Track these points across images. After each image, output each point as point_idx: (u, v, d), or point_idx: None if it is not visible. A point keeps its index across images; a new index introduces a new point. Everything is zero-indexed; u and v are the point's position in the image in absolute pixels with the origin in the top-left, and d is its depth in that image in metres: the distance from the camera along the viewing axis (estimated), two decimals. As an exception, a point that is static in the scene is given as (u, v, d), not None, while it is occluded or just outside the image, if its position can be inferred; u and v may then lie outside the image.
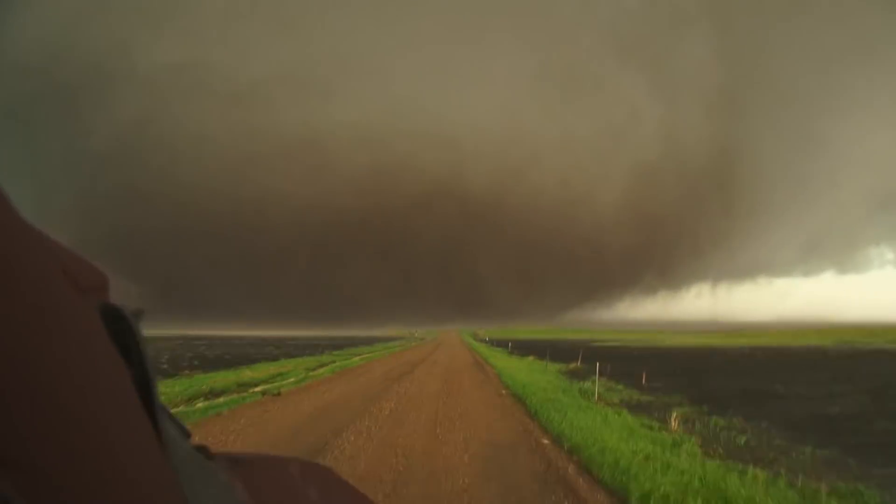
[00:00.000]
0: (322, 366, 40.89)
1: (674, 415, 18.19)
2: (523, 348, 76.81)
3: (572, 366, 42.01)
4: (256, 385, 26.49)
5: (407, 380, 29.56)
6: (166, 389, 23.33)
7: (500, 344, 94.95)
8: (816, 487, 10.39)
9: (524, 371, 36.04)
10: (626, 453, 11.50)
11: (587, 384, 26.52)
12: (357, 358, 53.99)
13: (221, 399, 21.58)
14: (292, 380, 29.56)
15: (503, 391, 24.39)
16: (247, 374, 32.58)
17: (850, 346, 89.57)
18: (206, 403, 20.13)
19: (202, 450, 1.02)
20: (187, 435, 0.96)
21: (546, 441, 13.40)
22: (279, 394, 23.19)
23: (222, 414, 17.69)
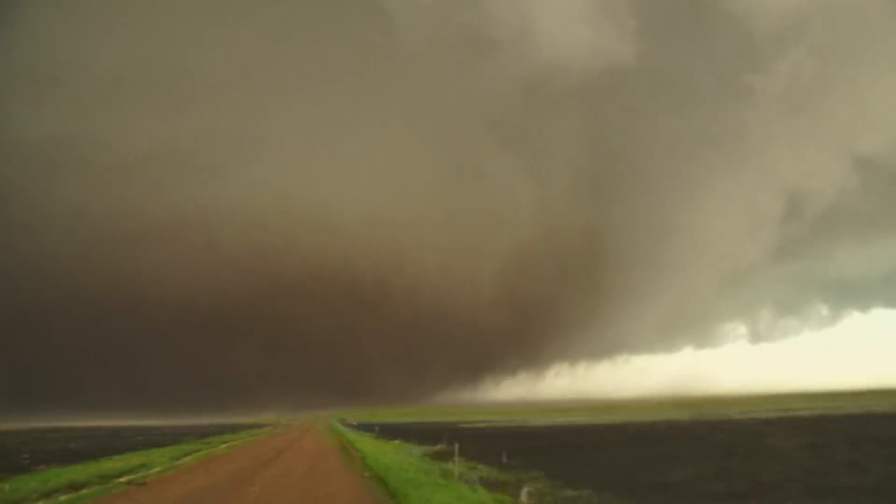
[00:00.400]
0: (187, 454, 40.43)
1: (525, 489, 19.62)
2: (392, 432, 77.35)
3: (437, 447, 43.07)
4: (119, 476, 26.31)
5: (274, 465, 29.98)
6: (19, 486, 23.03)
7: (368, 428, 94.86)
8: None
9: (389, 454, 36.90)
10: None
11: (449, 465, 27.64)
12: (224, 445, 53.29)
13: (84, 491, 21.54)
14: (157, 469, 29.43)
15: (366, 473, 25.27)
16: (108, 465, 32.07)
17: (703, 418, 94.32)
18: (68, 496, 20.14)
19: None
20: None
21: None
22: (144, 483, 23.31)
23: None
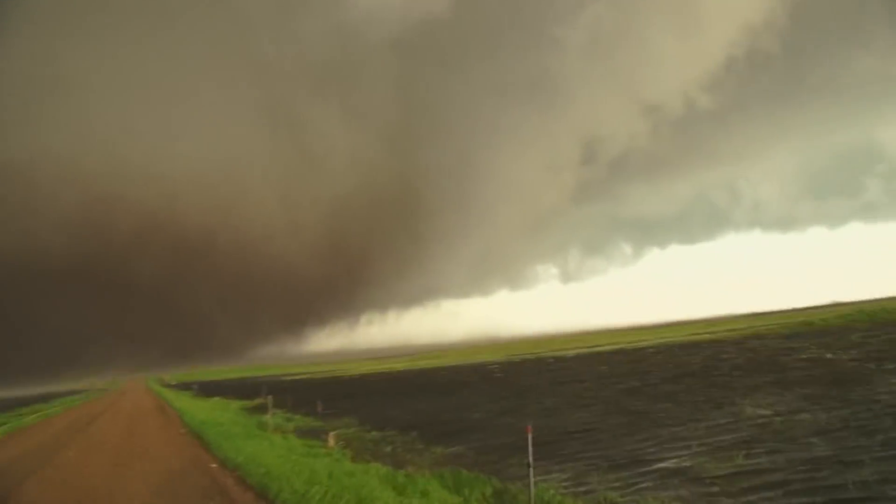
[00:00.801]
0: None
1: (332, 433, 21.24)
2: (211, 389, 76.93)
3: (256, 401, 43.93)
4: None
5: (89, 430, 30.11)
6: None
7: (187, 387, 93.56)
8: (420, 472, 13.89)
9: (206, 410, 37.56)
10: (279, 466, 14.29)
11: (266, 417, 28.81)
12: (33, 416, 51.65)
13: None
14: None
15: (182, 430, 26.15)
16: None
17: (516, 359, 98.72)
18: None
19: None
20: None
21: (214, 465, 15.84)
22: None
23: None
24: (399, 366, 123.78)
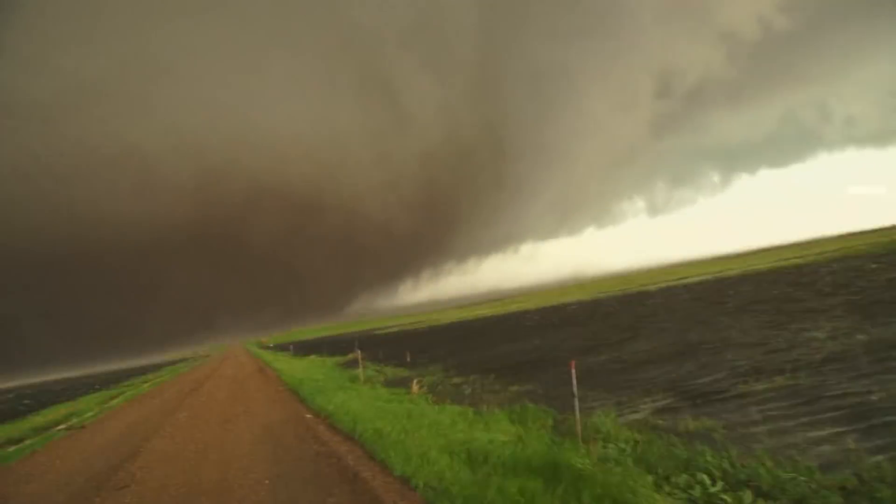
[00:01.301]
0: (114, 398, 42.78)
1: (415, 381, 23.05)
2: (307, 348, 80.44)
3: (350, 356, 46.31)
4: (56, 426, 28.67)
5: (196, 394, 32.88)
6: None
7: (284, 348, 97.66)
8: (491, 409, 15.50)
9: (302, 369, 40.09)
10: (364, 411, 16.14)
11: (358, 370, 30.87)
12: (146, 385, 55.61)
13: (28, 442, 23.99)
14: (90, 414, 31.92)
15: (281, 388, 28.49)
16: (38, 420, 34.13)
17: (602, 297, 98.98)
18: (16, 448, 22.56)
19: None
20: None
21: (309, 416, 17.86)
22: (83, 427, 25.93)
23: (37, 451, 20.51)
24: (487, 311, 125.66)
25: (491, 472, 8.68)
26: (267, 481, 10.44)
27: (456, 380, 25.14)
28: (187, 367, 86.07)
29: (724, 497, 7.23)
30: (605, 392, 16.79)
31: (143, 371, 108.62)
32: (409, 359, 37.04)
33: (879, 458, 8.28)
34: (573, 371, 11.18)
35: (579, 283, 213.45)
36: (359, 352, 33.63)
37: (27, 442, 23.86)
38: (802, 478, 7.63)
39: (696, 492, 7.50)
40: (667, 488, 7.77)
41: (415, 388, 22.09)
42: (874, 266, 46.28)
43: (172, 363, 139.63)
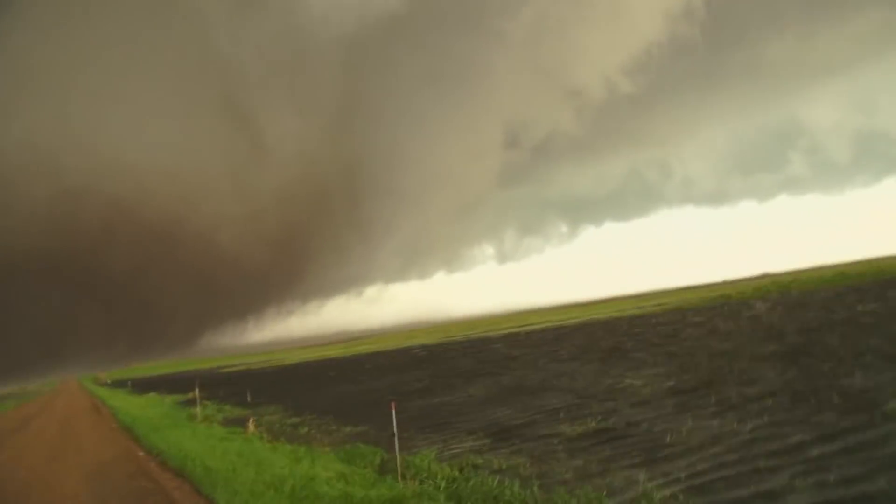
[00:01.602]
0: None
1: (251, 420, 23.32)
2: (147, 385, 77.93)
3: (190, 395, 45.49)
4: None
5: (22, 433, 31.59)
6: None
7: (122, 385, 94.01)
8: (322, 448, 16.16)
9: (139, 406, 39.22)
10: (197, 450, 16.43)
11: (197, 409, 30.64)
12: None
13: None
14: None
15: (114, 425, 27.95)
16: None
17: (446, 341, 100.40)
18: None
19: None
20: None
21: (142, 454, 17.93)
22: None
23: None
24: (334, 352, 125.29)
25: (309, 504, 9.40)
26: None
27: (293, 420, 25.52)
28: (12, 405, 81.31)
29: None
30: (434, 432, 17.81)
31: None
32: (249, 398, 36.98)
33: (665, 490, 9.58)
34: (393, 412, 12.03)
35: (427, 327, 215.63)
36: (197, 390, 33.36)
37: None
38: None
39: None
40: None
41: (251, 427, 22.37)
42: (697, 319, 49.92)
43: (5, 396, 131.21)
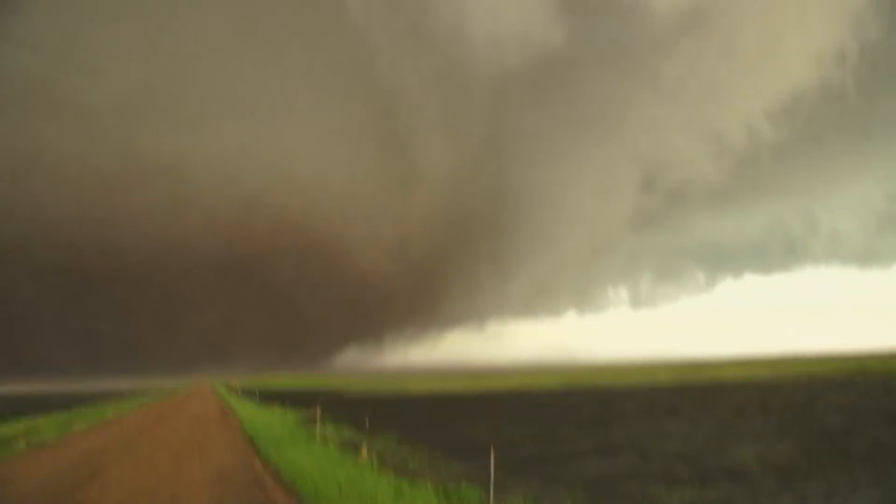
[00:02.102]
0: (75, 420, 43.70)
1: (364, 446, 24.38)
2: (273, 397, 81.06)
3: (312, 411, 47.33)
4: (11, 440, 29.69)
5: (158, 428, 34.08)
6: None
7: (251, 394, 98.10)
8: (423, 484, 16.91)
9: (263, 419, 41.18)
10: (310, 469, 17.54)
11: (317, 428, 32.06)
12: (110, 412, 56.43)
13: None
14: (52, 433, 32.99)
15: (239, 435, 29.71)
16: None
17: (571, 387, 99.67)
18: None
19: None
20: None
21: (259, 466, 19.23)
22: (43, 446, 27.08)
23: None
24: (456, 386, 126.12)
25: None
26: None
27: (405, 449, 26.42)
28: (150, 401, 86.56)
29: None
30: (536, 480, 18.30)
31: (105, 396, 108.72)
32: (367, 424, 38.23)
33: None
34: (492, 455, 12.66)
35: (551, 370, 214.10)
36: (319, 410, 34.92)
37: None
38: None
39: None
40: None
41: (363, 453, 23.40)
42: (831, 395, 47.99)
43: (137, 392, 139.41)
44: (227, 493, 14.60)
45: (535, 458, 23.25)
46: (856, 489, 15.95)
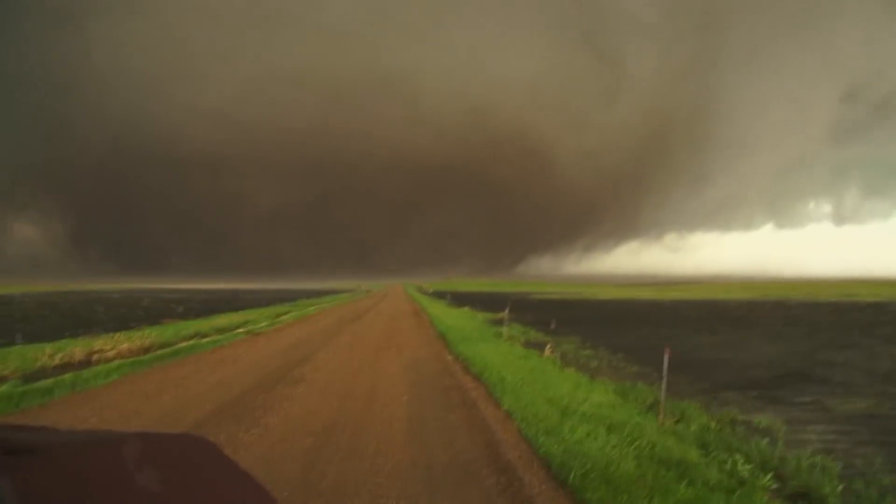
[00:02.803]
0: (282, 314, 47.76)
1: (549, 345, 25.43)
2: (462, 299, 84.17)
3: (500, 314, 49.02)
4: (234, 329, 33.10)
5: (357, 323, 36.77)
6: (162, 331, 30.00)
7: (441, 296, 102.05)
8: (601, 381, 17.72)
9: (453, 318, 43.22)
10: (496, 362, 18.77)
11: (503, 328, 33.47)
12: (313, 308, 60.95)
13: (217, 336, 28.25)
14: (264, 324, 36.42)
15: (431, 331, 31.63)
16: (221, 321, 39.08)
17: (763, 300, 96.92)
18: (208, 339, 26.81)
19: None
20: None
21: (450, 358, 20.70)
22: (259, 333, 30.10)
23: (223, 345, 24.56)
24: (644, 294, 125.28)
25: (575, 419, 11.07)
26: (405, 397, 13.27)
27: (587, 352, 27.24)
28: (349, 299, 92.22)
29: (745, 471, 9.24)
30: (714, 387, 18.65)
31: (308, 295, 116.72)
32: (552, 326, 39.31)
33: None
34: (665, 357, 13.18)
35: (749, 283, 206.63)
36: (507, 311, 36.34)
37: (214, 337, 28.09)
38: (818, 473, 9.56)
39: (728, 466, 9.53)
40: (707, 459, 9.84)
41: (547, 351, 24.45)
42: None
43: (337, 292, 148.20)
44: (420, 378, 16.05)
45: (717, 366, 23.40)
46: None
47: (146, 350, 21.92)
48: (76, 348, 20.97)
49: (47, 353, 19.44)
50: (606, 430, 10.33)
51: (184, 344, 24.34)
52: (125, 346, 22.01)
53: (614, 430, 10.35)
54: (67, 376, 15.38)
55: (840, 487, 8.97)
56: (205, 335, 28.71)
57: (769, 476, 9.07)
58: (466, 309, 59.76)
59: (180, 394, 13.49)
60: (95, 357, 19.82)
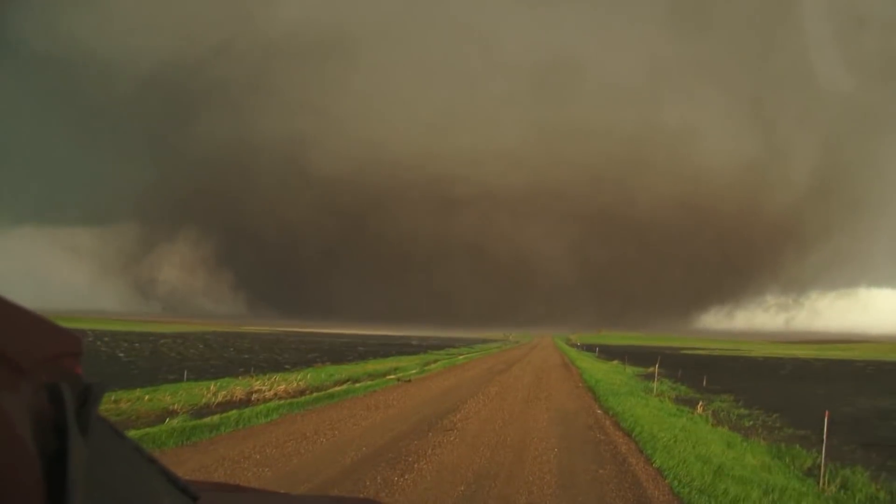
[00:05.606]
0: (432, 363, 48.56)
1: (700, 403, 24.77)
2: (611, 353, 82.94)
3: (649, 369, 48.09)
4: (385, 375, 33.93)
5: (505, 374, 36.97)
6: (315, 373, 31.14)
7: (590, 349, 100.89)
8: (755, 441, 17.13)
9: (603, 372, 42.74)
10: (646, 418, 18.50)
11: (653, 384, 32.88)
12: (461, 357, 61.69)
13: (368, 382, 29.10)
14: (414, 371, 37.19)
15: (580, 384, 31.42)
16: (370, 367, 40.13)
17: None
18: (361, 385, 27.67)
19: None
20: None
21: (599, 412, 20.58)
22: (410, 380, 30.80)
23: (377, 391, 25.30)
24: (802, 352, 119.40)
25: (729, 480, 10.82)
26: (556, 450, 13.33)
27: (740, 411, 26.30)
28: (496, 349, 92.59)
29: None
30: (880, 452, 17.62)
31: (454, 344, 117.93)
32: (704, 383, 38.19)
33: None
34: (825, 420, 12.68)
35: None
36: (657, 366, 35.65)
37: (369, 382, 28.94)
38: None
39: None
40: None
41: (699, 409, 23.84)
42: None
43: (480, 341, 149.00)
44: (570, 431, 16.06)
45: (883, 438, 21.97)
46: None
47: (301, 392, 22.95)
48: (237, 387, 22.39)
49: (211, 391, 20.80)
50: (762, 492, 10.05)
51: (337, 388, 25.25)
52: (282, 387, 23.19)
53: (771, 494, 10.05)
54: (232, 413, 16.42)
55: None
56: (357, 380, 29.56)
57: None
58: (615, 363, 58.91)
59: (336, 436, 14.07)
60: (254, 396, 21.01)
